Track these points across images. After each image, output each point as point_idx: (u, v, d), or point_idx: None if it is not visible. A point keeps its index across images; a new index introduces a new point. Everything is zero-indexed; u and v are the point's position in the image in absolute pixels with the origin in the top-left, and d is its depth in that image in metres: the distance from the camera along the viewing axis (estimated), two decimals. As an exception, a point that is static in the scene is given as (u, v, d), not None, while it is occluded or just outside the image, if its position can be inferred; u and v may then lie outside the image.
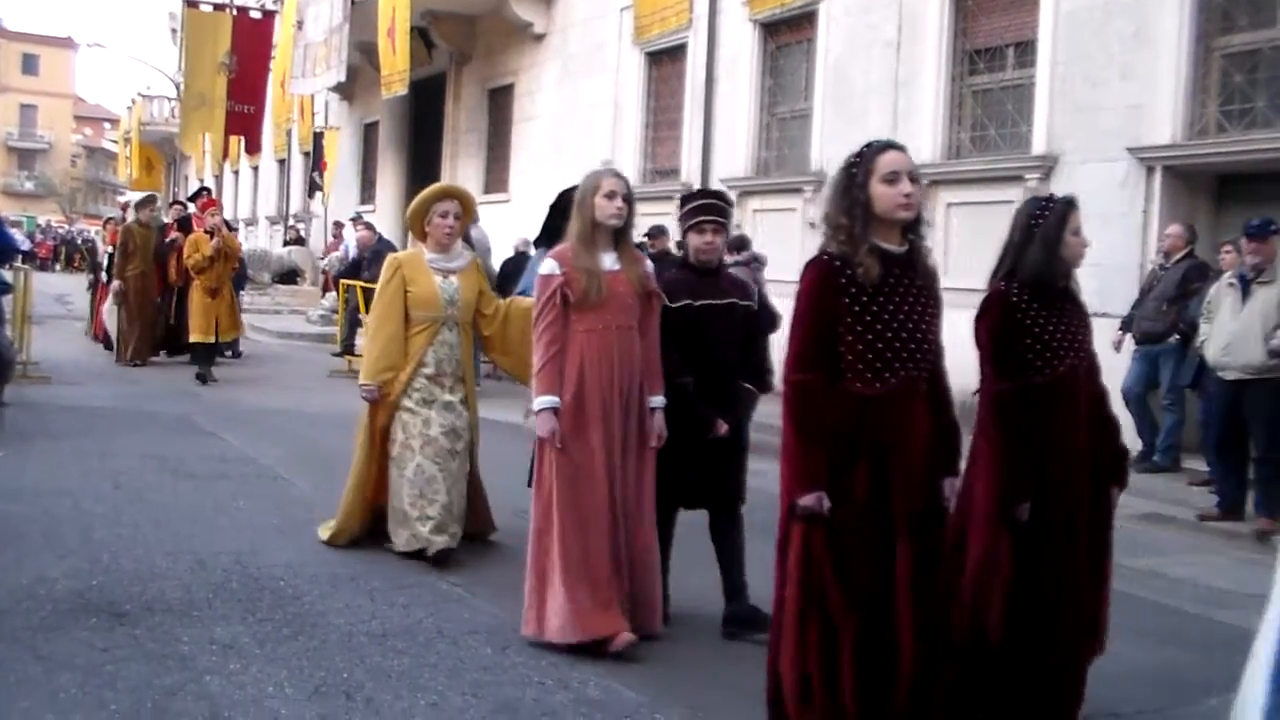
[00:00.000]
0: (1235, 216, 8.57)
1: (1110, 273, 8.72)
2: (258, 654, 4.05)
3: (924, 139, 10.72)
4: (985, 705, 3.52)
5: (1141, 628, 4.65)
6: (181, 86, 21.94)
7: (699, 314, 4.51)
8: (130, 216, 14.01)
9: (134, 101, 39.51)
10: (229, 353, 13.97)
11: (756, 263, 9.25)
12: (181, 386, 11.47)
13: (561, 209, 5.17)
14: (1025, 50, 10.36)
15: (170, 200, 21.46)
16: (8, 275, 9.46)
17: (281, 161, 29.25)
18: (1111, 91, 9.39)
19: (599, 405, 4.24)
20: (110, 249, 14.04)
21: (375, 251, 13.18)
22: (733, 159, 13.65)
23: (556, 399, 4.24)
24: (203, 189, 16.87)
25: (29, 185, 67.72)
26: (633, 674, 4.06)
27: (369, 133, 24.55)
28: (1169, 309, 8.35)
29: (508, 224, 15.34)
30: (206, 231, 11.99)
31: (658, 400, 4.38)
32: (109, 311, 13.73)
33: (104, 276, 14.48)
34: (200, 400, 10.71)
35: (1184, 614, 5.41)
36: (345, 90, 23.22)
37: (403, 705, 3.68)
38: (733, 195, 11.53)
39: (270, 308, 21.78)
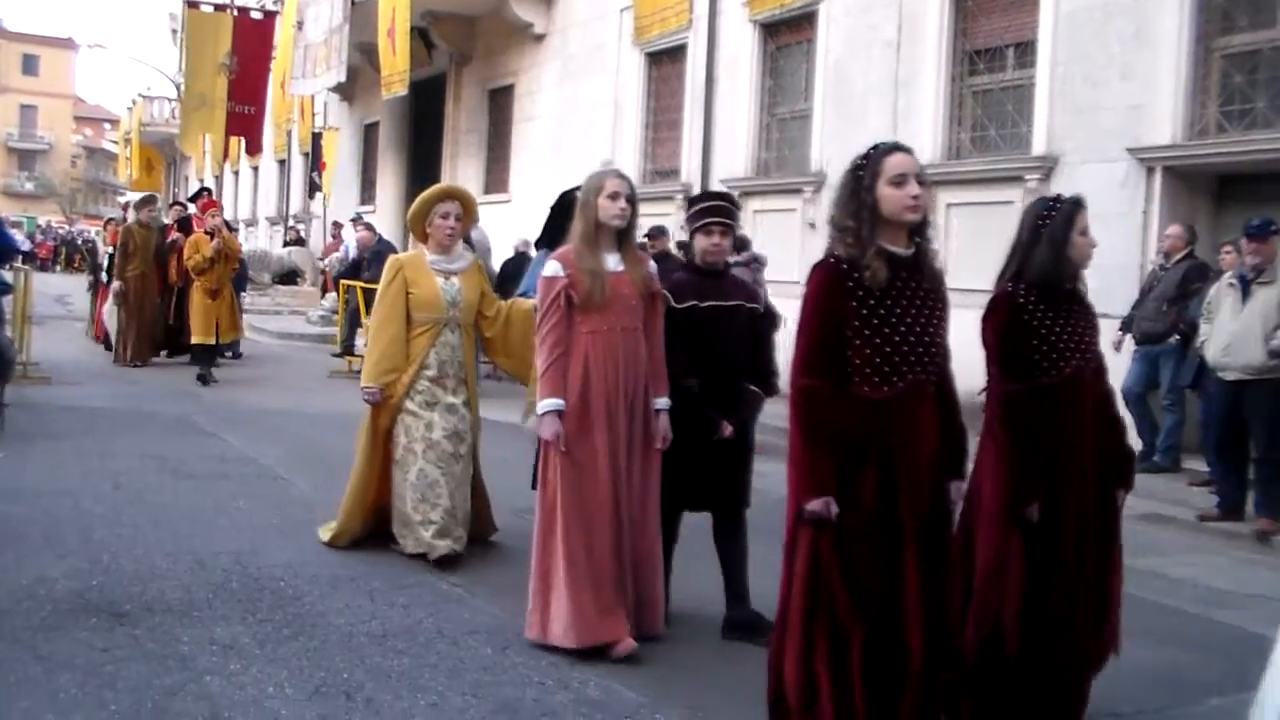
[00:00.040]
0: (1235, 217, 8.57)
1: (1110, 273, 8.71)
2: (258, 654, 4.05)
3: (924, 139, 10.72)
4: (993, 708, 3.53)
5: (1141, 628, 4.64)
6: (182, 87, 21.95)
7: (705, 315, 4.50)
8: (131, 217, 14.01)
9: (134, 102, 39.51)
10: (229, 354, 13.97)
11: (757, 263, 9.27)
12: (181, 387, 11.47)
13: (563, 210, 5.16)
14: (1025, 50, 10.37)
15: (170, 201, 21.47)
16: (8, 276, 9.46)
17: (281, 162, 29.26)
18: (1111, 92, 9.39)
19: (603, 407, 4.22)
20: (111, 249, 14.02)
21: (375, 252, 13.18)
22: (733, 159, 13.65)
23: (561, 401, 4.22)
24: (203, 189, 16.88)
25: (29, 186, 67.73)
26: (633, 674, 4.06)
27: (369, 133, 24.55)
28: (1169, 309, 8.35)
29: (508, 224, 15.33)
30: (207, 232, 11.97)
31: (662, 402, 4.37)
32: (109, 312, 13.73)
33: (104, 277, 14.48)
34: (200, 400, 10.71)
35: (1184, 614, 5.41)
36: (345, 91, 23.22)
37: (403, 705, 3.68)
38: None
39: (270, 308, 21.79)
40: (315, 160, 24.16)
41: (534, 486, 4.50)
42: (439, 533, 5.30)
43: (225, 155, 20.64)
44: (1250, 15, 8.77)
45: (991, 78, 10.82)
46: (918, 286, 3.19)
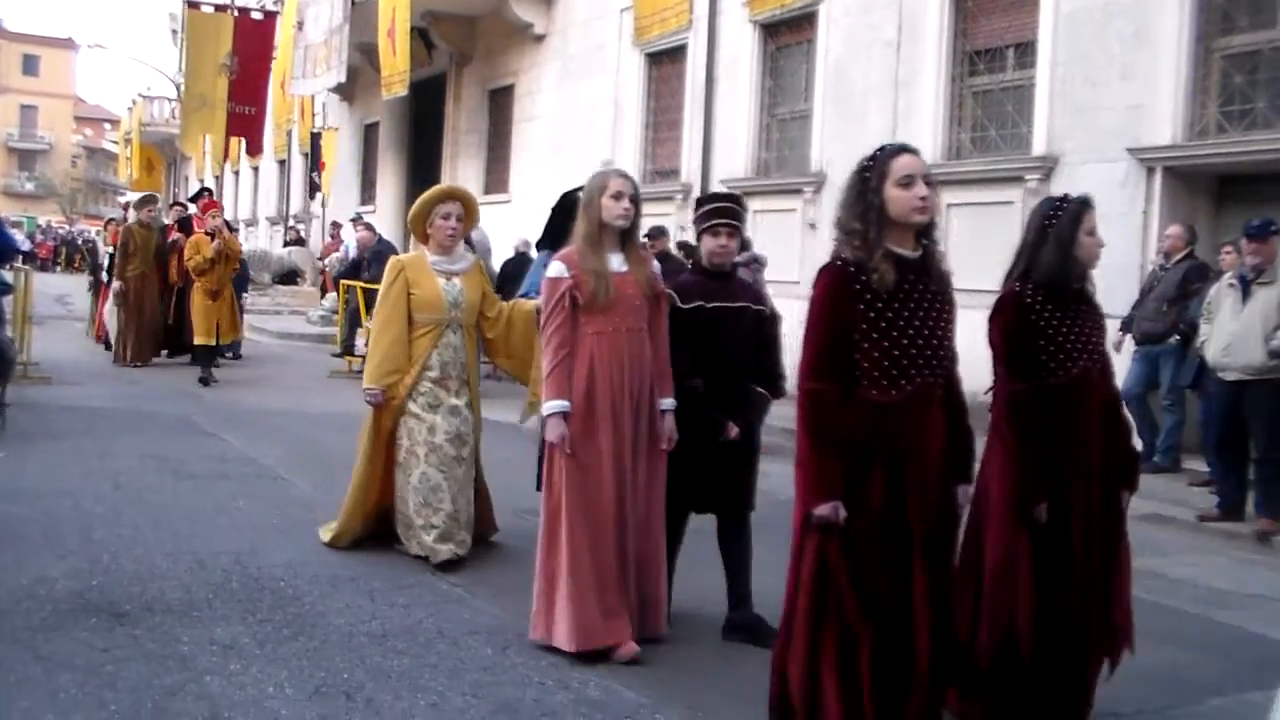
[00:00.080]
0: (1235, 217, 8.57)
1: (1110, 273, 8.63)
2: (258, 654, 4.05)
3: (924, 140, 10.71)
4: (1006, 710, 3.52)
5: (1141, 628, 4.62)
6: (182, 87, 21.93)
7: (711, 316, 4.49)
8: (132, 217, 14.01)
9: (134, 102, 39.51)
10: (229, 354, 13.97)
11: (757, 264, 9.25)
12: (182, 387, 11.47)
13: (564, 210, 5.16)
14: (1025, 51, 10.37)
15: (171, 201, 21.48)
16: (8, 276, 9.47)
17: (282, 162, 29.27)
18: (1111, 92, 9.39)
19: (609, 408, 4.21)
20: (111, 249, 14.02)
21: (375, 252, 13.18)
22: (733, 160, 13.65)
23: (566, 403, 4.21)
24: (204, 190, 16.87)
25: (29, 186, 67.73)
26: (633, 675, 4.06)
27: (369, 133, 24.55)
28: (1169, 309, 8.35)
29: (508, 225, 15.34)
30: (207, 233, 11.96)
31: (668, 403, 4.36)
32: (110, 313, 13.73)
33: (104, 277, 14.48)
34: (200, 401, 10.71)
35: (1184, 614, 5.41)
36: (345, 91, 23.22)
37: (403, 706, 3.68)
38: (733, 196, 11.52)
39: (270, 308, 21.79)
40: (314, 160, 24.17)
41: (538, 488, 4.49)
42: (441, 537, 5.30)
43: (225, 156, 20.62)
44: (1250, 15, 8.77)
45: (991, 78, 10.82)
46: (925, 289, 3.17)
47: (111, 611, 4.41)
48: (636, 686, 3.95)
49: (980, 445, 3.45)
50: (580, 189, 4.60)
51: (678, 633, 4.49)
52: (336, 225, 20.32)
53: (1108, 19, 9.43)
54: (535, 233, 6.37)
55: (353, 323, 13.84)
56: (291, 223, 27.65)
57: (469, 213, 5.61)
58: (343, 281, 14.78)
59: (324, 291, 19.88)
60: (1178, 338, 8.26)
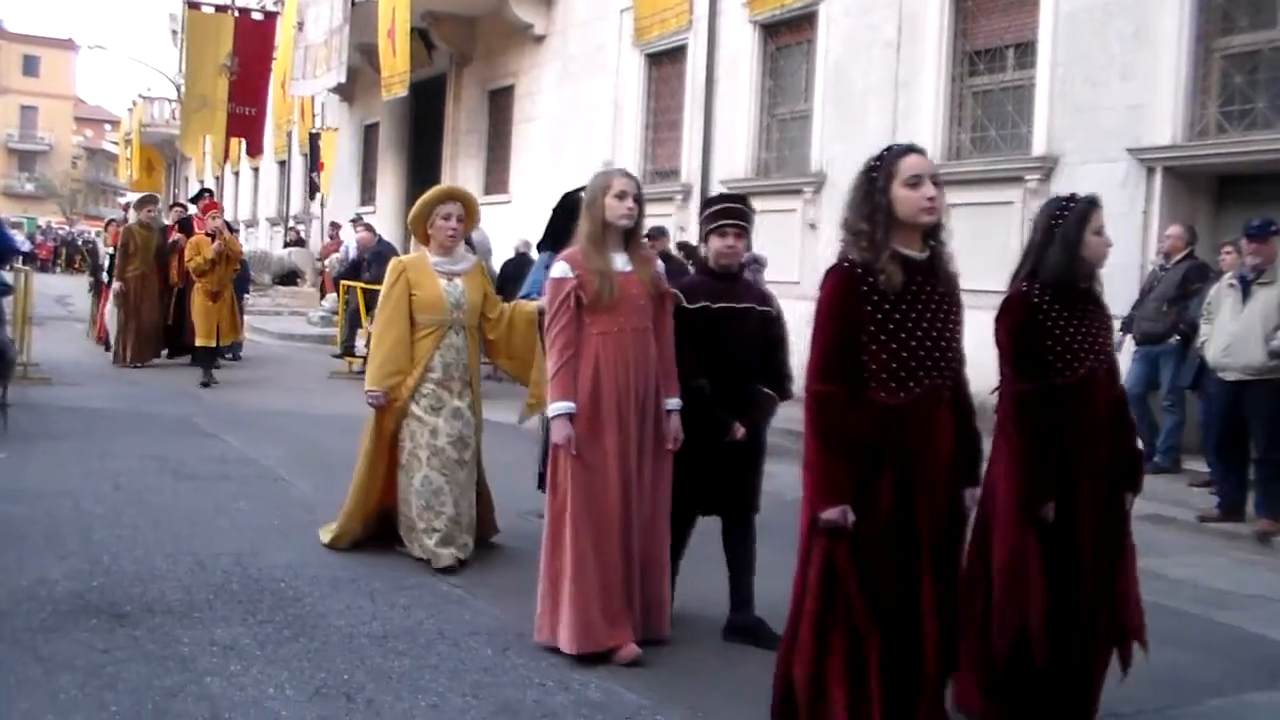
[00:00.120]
0: (1235, 217, 8.58)
1: (1110, 273, 8.62)
2: (258, 655, 4.05)
3: (924, 140, 10.69)
4: (1018, 711, 3.52)
5: (1142, 628, 4.64)
6: (182, 88, 21.95)
7: (716, 316, 4.48)
8: (132, 217, 14.01)
9: (135, 103, 39.54)
10: (230, 355, 13.97)
11: (757, 264, 9.24)
12: (182, 388, 11.47)
13: (565, 211, 5.15)
14: (1025, 51, 10.37)
15: (171, 202, 21.48)
16: (8, 276, 9.48)
17: (282, 163, 29.26)
18: (1111, 92, 9.40)
19: (614, 409, 4.20)
20: (111, 250, 14.03)
21: (375, 253, 13.18)
22: (733, 160, 13.65)
23: (572, 405, 4.19)
24: (204, 190, 16.87)
25: (29, 187, 67.75)
26: (634, 676, 4.06)
27: (369, 134, 24.56)
28: (1169, 310, 8.35)
29: (508, 225, 15.34)
30: (208, 234, 11.96)
31: (674, 403, 4.34)
32: (111, 314, 13.73)
33: (105, 278, 14.48)
34: (201, 401, 10.71)
35: (1184, 614, 5.41)
36: (345, 91, 23.22)
37: (403, 707, 3.68)
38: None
39: (270, 309, 21.79)
40: (313, 161, 24.17)
41: (540, 488, 4.48)
42: (442, 541, 5.30)
43: (225, 156, 20.64)
44: (1250, 15, 8.78)
45: (991, 78, 10.82)
46: (933, 290, 3.15)
47: (112, 612, 4.41)
48: (637, 688, 3.94)
49: (986, 445, 3.44)
50: (581, 189, 4.60)
51: (679, 634, 4.48)
52: (336, 226, 20.32)
53: (1108, 19, 9.44)
54: (535, 233, 6.37)
55: (353, 323, 13.85)
56: (291, 223, 27.65)
57: (469, 213, 5.60)
58: (343, 282, 14.79)
59: (324, 292, 19.89)
60: (1178, 338, 8.26)
